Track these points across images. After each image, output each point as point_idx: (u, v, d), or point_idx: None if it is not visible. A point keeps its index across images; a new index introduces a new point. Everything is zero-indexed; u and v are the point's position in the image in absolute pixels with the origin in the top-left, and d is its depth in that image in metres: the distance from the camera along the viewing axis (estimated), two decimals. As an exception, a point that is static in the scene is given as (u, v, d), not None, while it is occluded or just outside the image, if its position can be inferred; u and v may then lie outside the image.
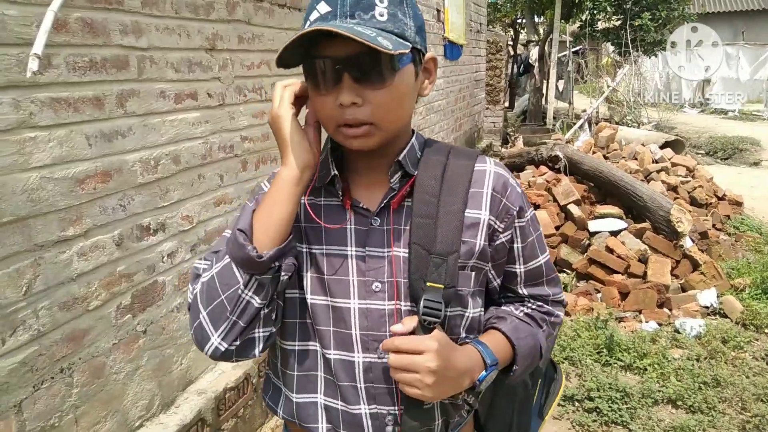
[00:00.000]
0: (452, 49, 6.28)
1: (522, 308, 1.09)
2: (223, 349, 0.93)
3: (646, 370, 3.18)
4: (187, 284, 2.32)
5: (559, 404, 2.93)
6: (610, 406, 2.85)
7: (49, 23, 1.58)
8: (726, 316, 3.83)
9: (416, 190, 0.97)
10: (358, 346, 0.98)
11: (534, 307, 1.10)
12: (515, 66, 15.44)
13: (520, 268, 1.07)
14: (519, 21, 16.37)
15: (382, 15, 0.88)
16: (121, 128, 1.93)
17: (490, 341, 1.01)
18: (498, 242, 1.02)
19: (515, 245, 1.04)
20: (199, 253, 2.38)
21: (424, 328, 0.92)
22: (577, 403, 2.93)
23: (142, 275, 2.07)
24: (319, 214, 1.01)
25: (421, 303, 0.92)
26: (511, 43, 15.26)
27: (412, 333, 0.92)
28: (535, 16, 14.21)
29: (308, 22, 0.90)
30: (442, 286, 0.93)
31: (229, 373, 2.53)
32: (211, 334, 0.92)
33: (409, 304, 0.97)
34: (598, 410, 2.85)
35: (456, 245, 0.95)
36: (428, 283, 0.93)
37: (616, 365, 3.24)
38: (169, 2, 2.11)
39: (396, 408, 0.99)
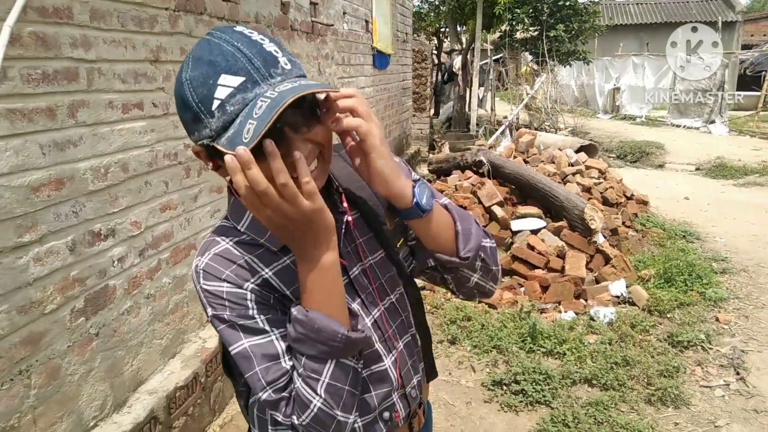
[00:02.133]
0: (380, 59, 6.51)
1: None
2: (354, 421, 0.98)
3: (565, 354, 3.50)
4: (135, 289, 2.40)
5: (489, 389, 3.19)
6: (534, 388, 3.12)
7: (6, 38, 1.67)
8: (634, 304, 4.23)
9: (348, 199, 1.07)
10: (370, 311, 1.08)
11: None
12: (440, 74, 15.94)
13: None
14: (443, 30, 16.91)
15: (286, 64, 0.88)
16: (73, 137, 2.01)
17: None
18: None
19: None
20: (147, 257, 2.46)
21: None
22: (504, 387, 3.19)
23: (94, 279, 2.14)
24: (295, 273, 0.96)
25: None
26: (435, 51, 15.73)
27: None
28: (458, 26, 14.75)
29: (217, 101, 0.83)
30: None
31: (178, 374, 2.61)
32: (347, 419, 0.95)
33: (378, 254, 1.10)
34: (523, 392, 3.12)
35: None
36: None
37: (539, 351, 3.53)
38: (115, 16, 2.20)
39: (398, 342, 1.11)
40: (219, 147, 0.84)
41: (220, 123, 0.84)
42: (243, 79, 0.83)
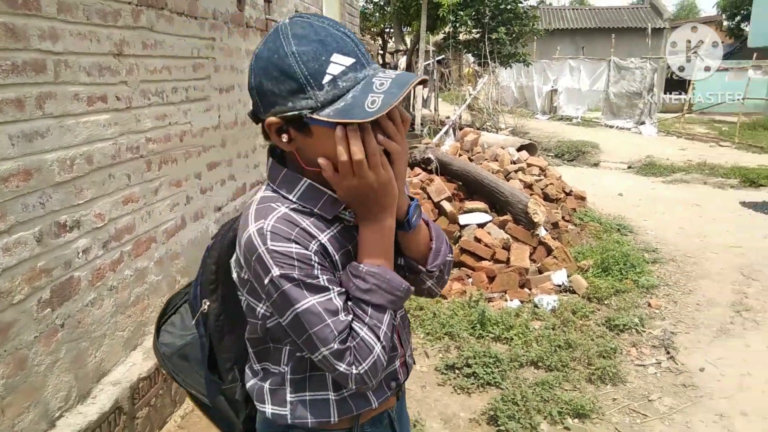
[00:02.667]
0: (330, 57, 6.59)
1: None
2: None
3: (512, 339, 3.69)
4: (99, 281, 2.41)
5: (442, 373, 3.35)
6: (485, 370, 3.30)
7: (-21, 29, 1.68)
8: (575, 292, 4.49)
9: None
10: None
11: None
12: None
13: None
14: (387, 31, 17.10)
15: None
16: (40, 129, 2.02)
17: None
18: None
19: None
20: (111, 250, 2.48)
21: None
22: (457, 371, 3.36)
23: (60, 270, 2.16)
24: (343, 241, 1.10)
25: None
26: (380, 52, 15.89)
27: None
28: (403, 27, 14.98)
29: (329, 76, 0.95)
30: None
31: (140, 365, 2.64)
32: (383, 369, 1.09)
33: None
34: (475, 375, 3.29)
35: None
36: None
37: (488, 337, 3.72)
38: (81, 8, 2.22)
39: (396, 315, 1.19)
40: (320, 117, 0.95)
41: (330, 96, 0.96)
42: (354, 60, 0.97)
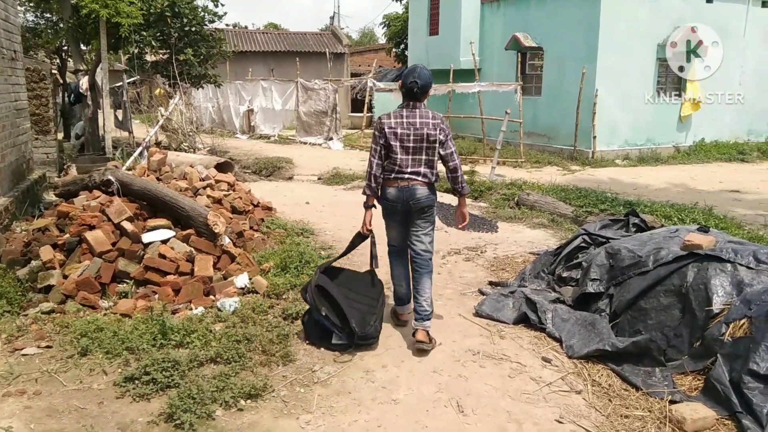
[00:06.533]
0: (-19, 77, 5.95)
1: None
2: None
3: (193, 342, 3.93)
4: None
5: (121, 386, 3.43)
6: (163, 375, 3.45)
7: None
8: (257, 292, 4.92)
9: None
10: None
11: None
12: (66, 95, 14.84)
13: None
14: (65, 48, 15.76)
15: None
16: None
17: None
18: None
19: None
20: None
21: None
22: (136, 381, 3.45)
23: None
24: None
25: None
26: (53, 71, 14.56)
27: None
28: (82, 45, 13.96)
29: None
30: None
31: None
32: None
33: None
34: (154, 380, 3.42)
35: None
36: None
37: (169, 345, 3.89)
38: None
39: None
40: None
41: None
42: None
